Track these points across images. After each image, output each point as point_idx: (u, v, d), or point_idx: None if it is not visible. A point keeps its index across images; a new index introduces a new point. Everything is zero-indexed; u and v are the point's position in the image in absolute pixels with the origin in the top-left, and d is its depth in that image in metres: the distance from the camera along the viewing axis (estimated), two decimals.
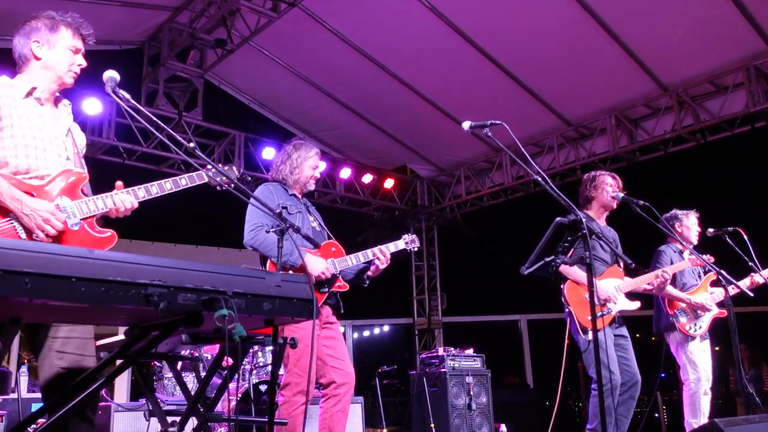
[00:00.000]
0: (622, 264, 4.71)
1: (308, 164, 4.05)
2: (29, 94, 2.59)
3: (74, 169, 2.62)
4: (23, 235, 2.36)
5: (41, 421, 2.04)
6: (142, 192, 2.70)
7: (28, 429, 2.17)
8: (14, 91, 2.57)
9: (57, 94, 2.74)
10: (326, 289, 3.82)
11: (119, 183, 2.69)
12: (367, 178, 10.14)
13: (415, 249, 4.30)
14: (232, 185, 2.81)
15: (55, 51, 2.64)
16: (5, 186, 2.35)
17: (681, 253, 5.27)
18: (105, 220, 2.68)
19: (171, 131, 2.64)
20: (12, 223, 2.36)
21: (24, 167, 2.48)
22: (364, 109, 9.46)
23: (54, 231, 2.39)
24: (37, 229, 2.36)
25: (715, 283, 5.25)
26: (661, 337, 5.28)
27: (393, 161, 10.74)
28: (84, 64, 2.70)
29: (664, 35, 7.29)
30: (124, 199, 2.63)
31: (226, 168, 3.00)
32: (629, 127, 8.57)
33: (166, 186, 2.77)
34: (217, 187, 2.91)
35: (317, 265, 3.76)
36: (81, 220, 2.51)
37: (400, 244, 4.19)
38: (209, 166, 2.88)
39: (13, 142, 2.48)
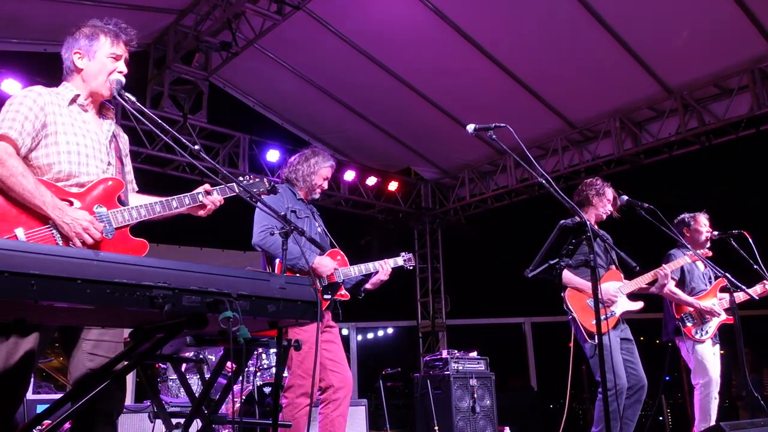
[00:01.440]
0: (618, 266, 4.71)
1: (322, 173, 4.14)
2: (73, 101, 2.65)
3: (112, 176, 2.66)
4: (60, 242, 2.41)
5: (46, 422, 2.05)
6: (175, 203, 2.75)
7: (33, 431, 2.19)
8: (59, 99, 2.62)
9: (103, 101, 2.78)
10: (329, 296, 3.84)
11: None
12: (371, 181, 10.15)
13: (411, 267, 4.37)
14: (241, 190, 2.86)
15: (95, 61, 2.67)
16: (48, 196, 2.40)
17: None
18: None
19: (176, 133, 2.65)
20: (51, 230, 2.41)
21: (66, 173, 2.53)
22: (368, 111, 9.48)
23: (92, 240, 2.43)
24: (76, 237, 2.40)
25: (724, 289, 5.23)
26: (667, 342, 5.26)
27: (397, 164, 10.74)
28: (125, 70, 2.72)
29: (668, 38, 7.28)
30: (157, 210, 2.68)
31: (257, 180, 3.05)
32: (633, 130, 8.56)
33: (199, 197, 2.81)
34: (248, 199, 2.96)
35: (326, 266, 3.79)
36: (116, 229, 2.56)
37: (399, 261, 4.29)
38: (240, 179, 2.96)
39: (56, 149, 2.53)
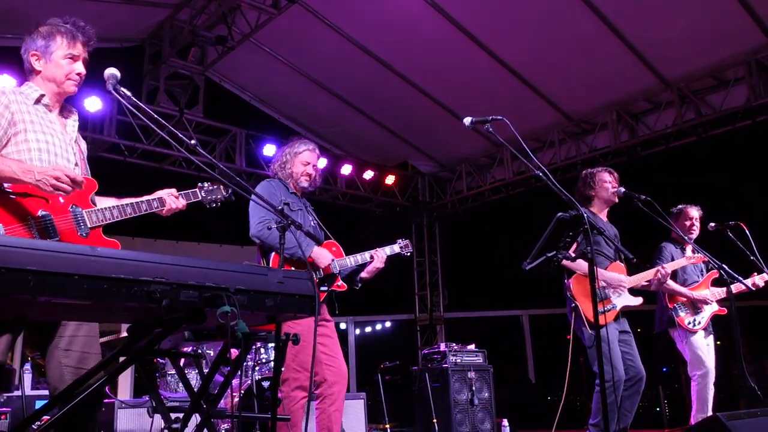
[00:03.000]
0: (623, 258, 4.72)
1: (299, 159, 4.04)
2: (38, 101, 2.65)
3: (85, 176, 2.67)
4: (38, 239, 2.41)
5: (45, 418, 2.05)
6: (145, 206, 2.78)
7: (32, 426, 2.19)
8: (23, 98, 2.62)
9: (63, 102, 2.78)
10: (325, 288, 3.82)
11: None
12: (368, 175, 10.14)
13: (409, 254, 4.33)
14: (230, 192, 2.92)
15: (52, 63, 2.66)
16: (15, 164, 2.41)
17: (683, 249, 5.28)
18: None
19: (172, 128, 2.65)
20: (30, 229, 2.42)
21: None
22: (365, 105, 9.46)
23: (68, 187, 2.41)
24: (52, 188, 2.39)
25: (716, 281, 5.25)
26: (662, 333, 5.28)
27: (394, 157, 10.74)
28: (82, 71, 2.71)
29: (665, 29, 7.28)
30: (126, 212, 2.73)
31: (214, 187, 3.11)
32: (630, 122, 8.56)
33: (152, 203, 2.85)
34: (207, 206, 3.07)
35: (324, 257, 3.79)
36: (90, 229, 2.57)
37: (395, 248, 4.24)
38: (202, 184, 3.05)
39: (27, 146, 2.54)
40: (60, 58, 2.66)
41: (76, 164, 2.70)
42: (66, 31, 2.69)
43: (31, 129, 2.56)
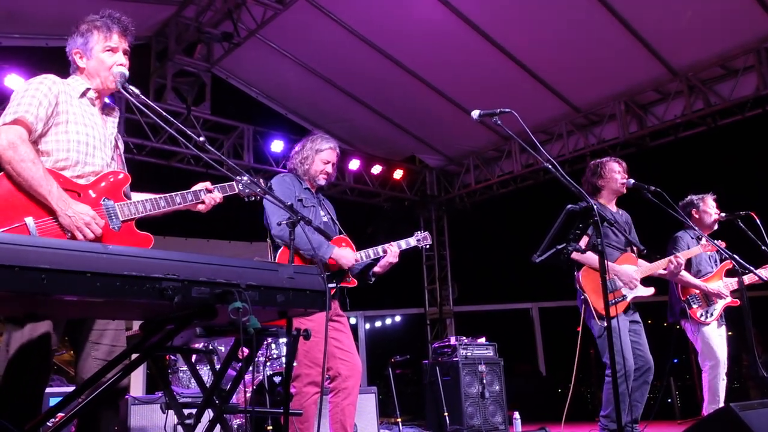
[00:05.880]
0: (635, 249, 4.70)
1: (320, 157, 4.01)
2: (83, 94, 2.68)
3: (118, 171, 2.69)
4: (68, 234, 2.43)
5: (60, 415, 2.07)
6: (179, 199, 2.79)
7: (47, 423, 2.21)
8: (70, 89, 2.65)
9: (106, 100, 2.80)
10: (334, 285, 3.82)
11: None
12: (376, 169, 10.14)
13: (427, 246, 4.28)
14: (258, 190, 2.90)
15: (93, 59, 2.69)
16: (54, 187, 2.40)
17: (699, 239, 5.23)
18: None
19: (181, 125, 2.66)
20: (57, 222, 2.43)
21: (73, 160, 2.55)
22: (372, 99, 9.45)
23: (92, 235, 2.43)
24: (77, 231, 2.40)
25: (730, 272, 5.21)
26: (674, 324, 5.25)
27: (402, 152, 10.73)
28: (124, 62, 2.71)
29: (672, 19, 7.22)
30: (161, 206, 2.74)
31: (251, 182, 3.05)
32: (639, 113, 8.51)
33: (201, 194, 2.86)
34: (245, 198, 3.04)
35: (346, 258, 3.79)
36: (122, 222, 2.58)
37: (411, 242, 4.18)
38: (239, 178, 2.99)
39: (66, 137, 2.56)
40: (99, 52, 2.68)
41: (113, 159, 2.72)
42: (101, 25, 2.69)
43: (72, 121, 2.58)
